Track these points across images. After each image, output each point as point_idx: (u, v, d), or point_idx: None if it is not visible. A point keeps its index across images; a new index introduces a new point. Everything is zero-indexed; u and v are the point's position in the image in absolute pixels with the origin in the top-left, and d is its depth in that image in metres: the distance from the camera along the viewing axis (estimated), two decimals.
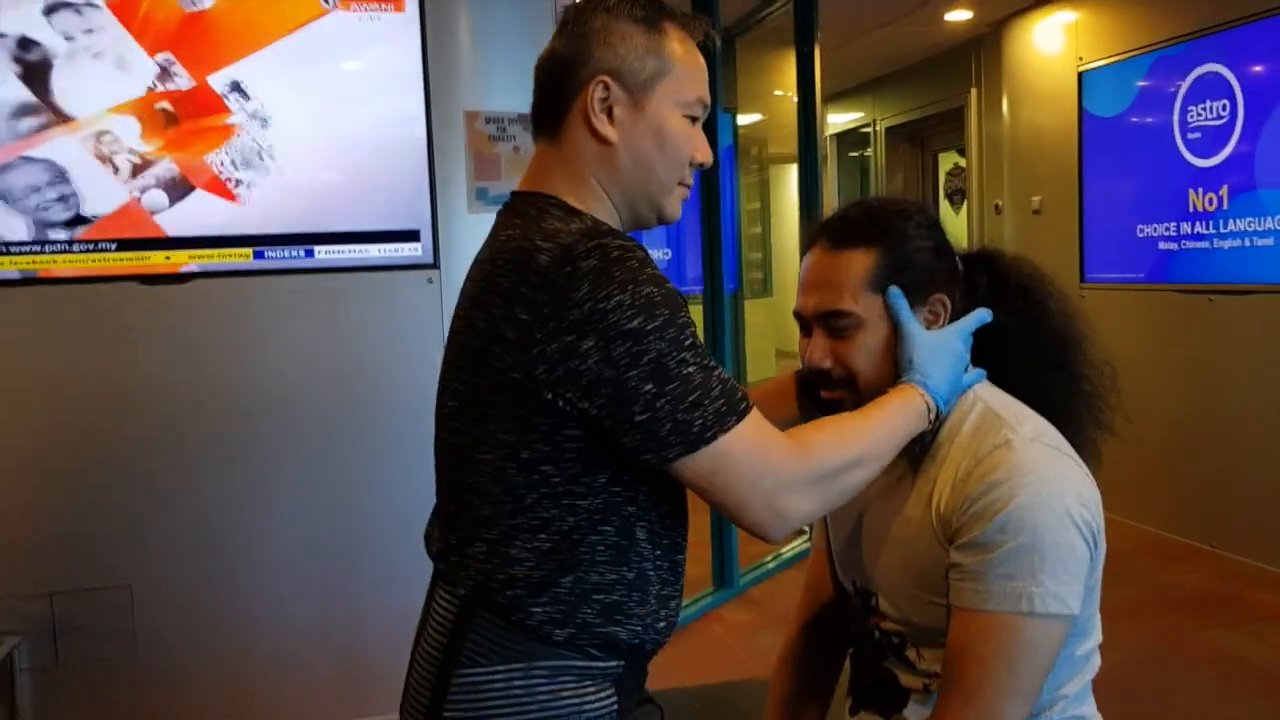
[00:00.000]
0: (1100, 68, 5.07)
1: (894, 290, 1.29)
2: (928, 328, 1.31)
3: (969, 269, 1.39)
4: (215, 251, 2.87)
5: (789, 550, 4.78)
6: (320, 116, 2.89)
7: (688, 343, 1.13)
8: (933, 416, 1.27)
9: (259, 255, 2.90)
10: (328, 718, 2.99)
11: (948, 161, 7.28)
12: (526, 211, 1.24)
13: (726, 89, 5.54)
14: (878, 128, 7.48)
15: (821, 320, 1.31)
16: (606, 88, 1.24)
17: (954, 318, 1.33)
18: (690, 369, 1.12)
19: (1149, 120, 4.79)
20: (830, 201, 9.18)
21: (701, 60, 1.29)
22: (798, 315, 1.35)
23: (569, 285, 1.11)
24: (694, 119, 1.28)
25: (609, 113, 1.24)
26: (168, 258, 2.83)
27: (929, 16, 5.62)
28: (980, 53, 6.18)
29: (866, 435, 1.22)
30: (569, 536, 1.19)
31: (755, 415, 1.16)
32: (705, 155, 1.30)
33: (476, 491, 1.22)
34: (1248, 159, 4.27)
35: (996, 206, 6.08)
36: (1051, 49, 5.48)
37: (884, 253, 1.29)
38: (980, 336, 1.34)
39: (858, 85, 7.63)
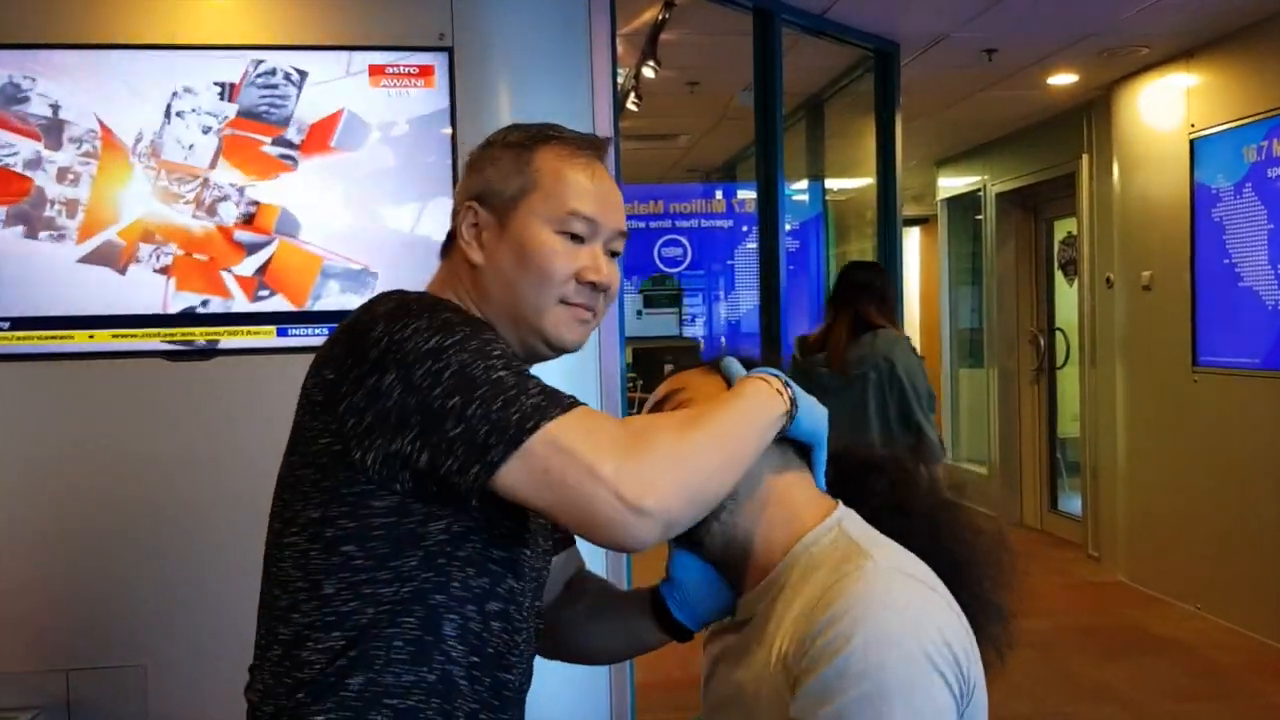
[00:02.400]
0: (1213, 135, 4.72)
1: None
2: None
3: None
4: (240, 329, 2.85)
5: None
6: (348, 193, 2.86)
7: (496, 353, 1.08)
8: (788, 402, 1.14)
9: (282, 333, 2.87)
10: None
11: (1063, 230, 6.93)
12: None
13: (812, 156, 5.39)
14: (989, 192, 7.19)
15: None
16: (475, 213, 1.23)
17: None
18: (501, 373, 1.06)
19: (1266, 192, 4.42)
20: (932, 268, 8.88)
21: (587, 177, 1.22)
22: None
23: (367, 330, 1.10)
24: (574, 235, 1.20)
25: (479, 238, 1.23)
26: (191, 333, 2.82)
27: (1031, 80, 5.36)
28: (1092, 117, 5.87)
29: (712, 417, 1.10)
30: (366, 631, 1.11)
31: (585, 409, 1.08)
32: (595, 273, 1.20)
33: (278, 581, 1.17)
34: None
35: (1108, 280, 5.73)
36: (1162, 114, 5.15)
37: None
38: None
39: (971, 149, 7.36)
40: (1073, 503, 6.64)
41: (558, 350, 1.22)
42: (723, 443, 1.08)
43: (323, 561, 1.12)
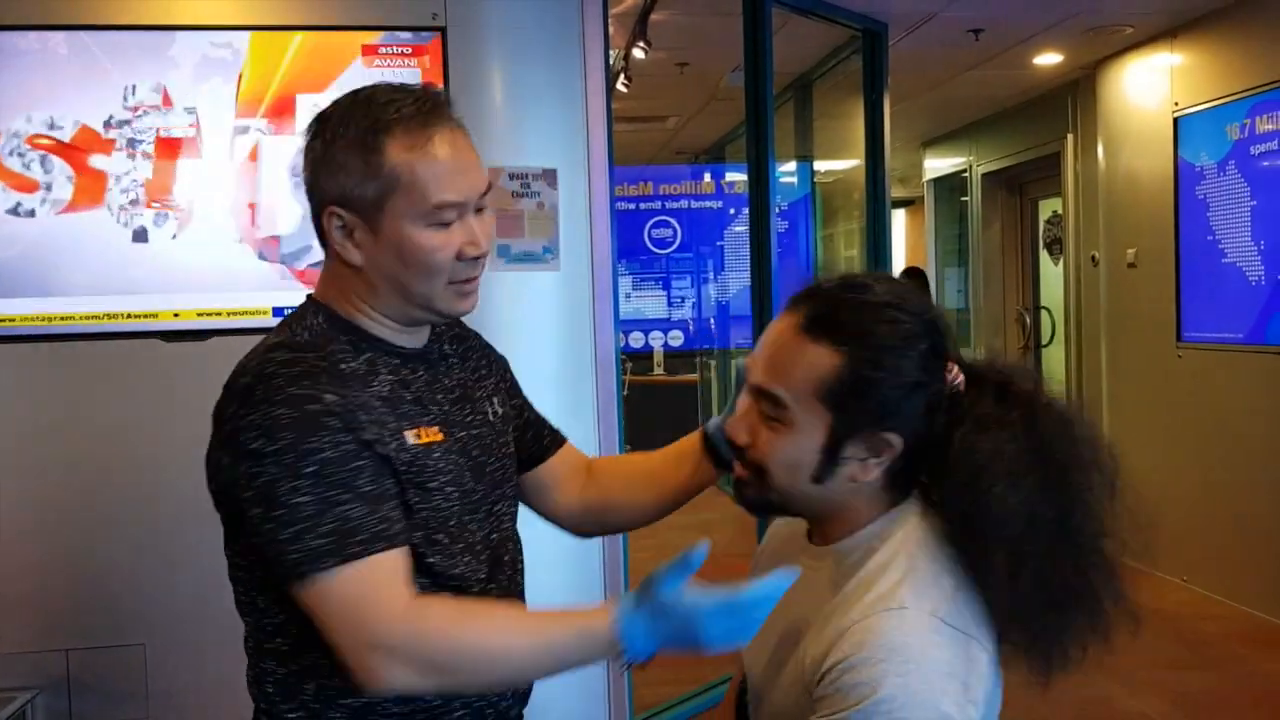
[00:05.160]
0: (1197, 113, 4.76)
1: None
2: (857, 473, 1.11)
3: (972, 389, 1.13)
4: (235, 309, 2.86)
5: None
6: None
7: (308, 470, 1.10)
8: (618, 655, 1.12)
9: (278, 313, 2.88)
10: None
11: (1048, 209, 6.97)
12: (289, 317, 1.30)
13: (800, 137, 5.40)
14: (974, 173, 7.22)
15: (758, 395, 1.14)
16: (340, 217, 1.21)
17: (912, 453, 1.12)
18: (302, 499, 1.10)
19: (1249, 169, 4.47)
20: (918, 249, 8.91)
21: (442, 153, 1.18)
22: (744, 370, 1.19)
23: (227, 402, 1.16)
24: (444, 223, 1.19)
25: (351, 239, 1.21)
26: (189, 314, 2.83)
27: (1017, 60, 5.39)
28: (1076, 97, 5.90)
29: (509, 651, 1.12)
30: (301, 642, 1.18)
31: (370, 565, 1.10)
32: (473, 248, 1.22)
33: (232, 590, 1.27)
34: None
35: (1093, 258, 5.77)
36: (1146, 93, 5.19)
37: (850, 363, 1.08)
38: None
39: (956, 129, 7.39)
40: None
41: (456, 316, 1.28)
42: (511, 673, 1.14)
43: (246, 575, 1.23)
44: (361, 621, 1.08)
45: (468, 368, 1.37)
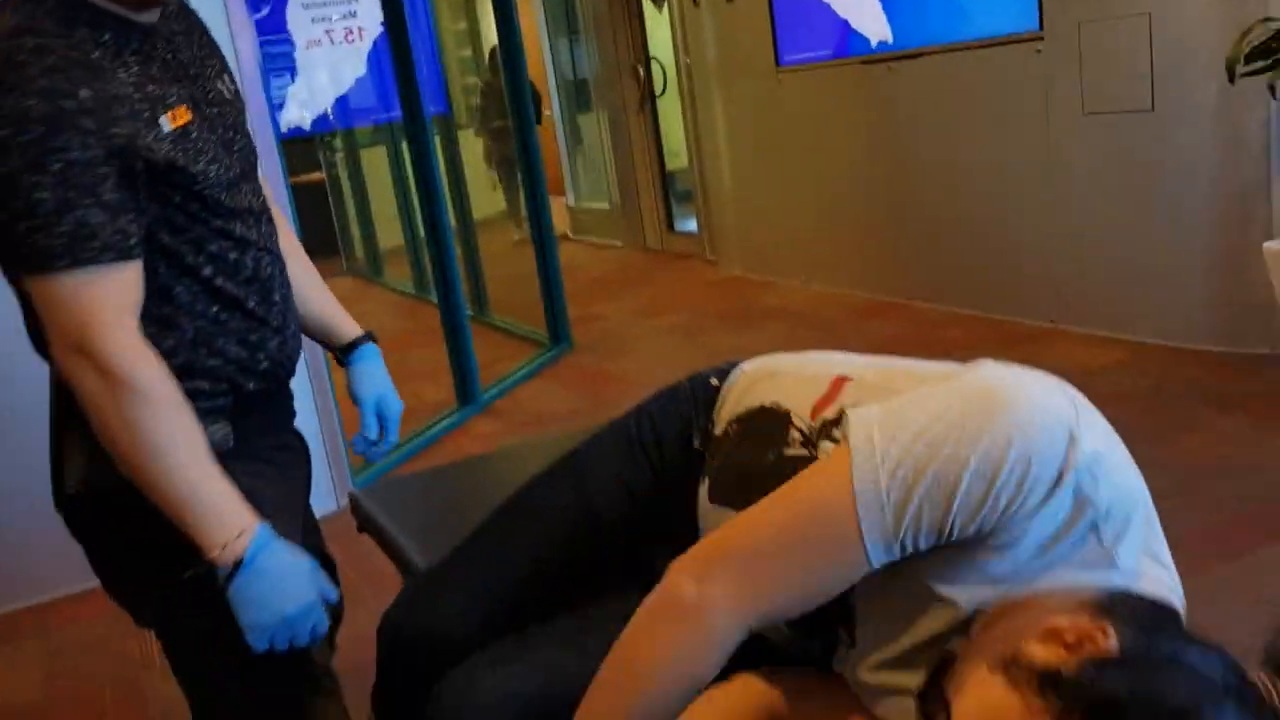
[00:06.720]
0: None
1: None
2: None
3: None
4: None
5: (533, 361, 4.87)
6: None
7: (55, 166, 1.10)
8: (229, 560, 1.20)
9: None
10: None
11: None
12: None
13: None
14: None
15: None
16: None
17: None
18: (43, 194, 1.10)
19: None
20: (530, 26, 8.97)
21: None
22: None
23: None
24: None
25: None
26: None
27: None
28: None
29: (166, 457, 1.18)
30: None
31: (100, 273, 1.13)
32: None
33: None
34: None
35: (694, 0, 6.10)
36: None
37: None
38: None
39: None
40: (688, 223, 7.25)
41: (138, 8, 1.22)
42: (143, 465, 1.17)
43: None
44: (83, 326, 1.13)
45: (193, 44, 1.35)
